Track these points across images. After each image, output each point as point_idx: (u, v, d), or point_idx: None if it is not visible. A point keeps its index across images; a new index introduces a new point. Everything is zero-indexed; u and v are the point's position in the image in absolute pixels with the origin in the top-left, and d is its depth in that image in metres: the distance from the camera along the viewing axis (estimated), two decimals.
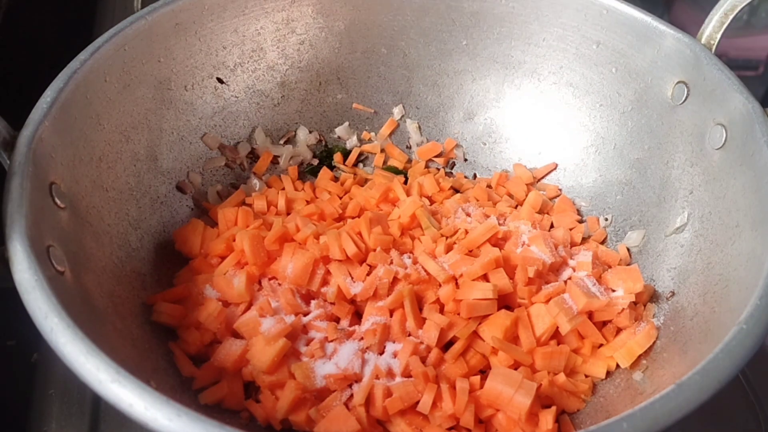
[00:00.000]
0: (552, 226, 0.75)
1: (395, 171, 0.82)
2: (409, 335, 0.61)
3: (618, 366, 0.62)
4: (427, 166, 0.83)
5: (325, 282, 0.63)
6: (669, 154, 0.69)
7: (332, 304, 0.62)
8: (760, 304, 0.47)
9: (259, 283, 0.64)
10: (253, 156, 0.80)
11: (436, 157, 0.83)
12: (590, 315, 0.63)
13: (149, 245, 0.66)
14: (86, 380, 0.41)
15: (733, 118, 0.61)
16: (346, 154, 0.83)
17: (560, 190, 0.79)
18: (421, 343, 0.60)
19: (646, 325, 0.62)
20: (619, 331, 0.64)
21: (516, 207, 0.76)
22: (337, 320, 0.63)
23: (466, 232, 0.67)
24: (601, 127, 0.76)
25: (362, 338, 0.60)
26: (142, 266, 0.64)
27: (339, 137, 0.84)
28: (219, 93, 0.76)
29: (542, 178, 0.80)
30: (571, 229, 0.73)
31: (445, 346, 0.61)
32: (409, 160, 0.84)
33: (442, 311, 0.62)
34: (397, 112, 0.84)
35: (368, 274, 0.63)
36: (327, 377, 0.57)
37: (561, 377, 0.59)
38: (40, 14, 0.96)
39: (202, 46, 0.72)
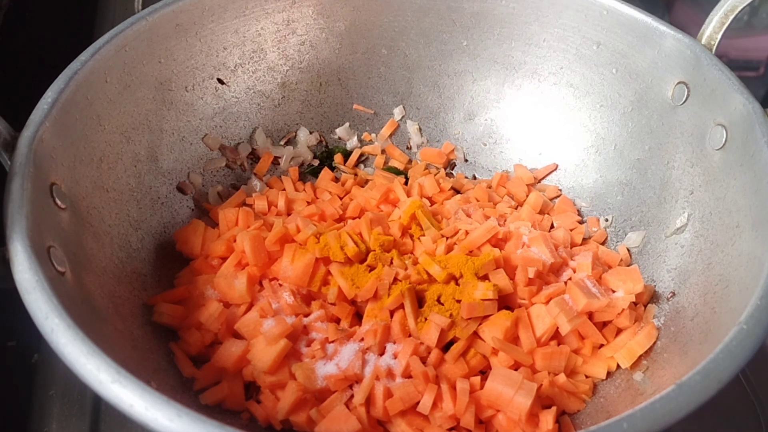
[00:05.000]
0: (552, 226, 0.75)
1: (396, 172, 0.82)
2: (410, 336, 0.61)
3: (618, 366, 0.62)
4: (427, 167, 0.83)
5: (325, 282, 0.63)
6: (669, 154, 0.69)
7: (333, 304, 0.63)
8: (761, 305, 0.47)
9: (260, 283, 0.65)
10: (254, 157, 0.80)
11: None
12: (590, 315, 0.63)
13: (150, 246, 0.66)
14: (87, 381, 0.41)
15: (733, 118, 0.61)
16: (346, 154, 0.83)
17: (560, 190, 0.79)
18: (422, 343, 0.60)
19: (646, 326, 0.62)
20: (619, 331, 0.64)
21: (516, 208, 0.76)
22: (338, 321, 0.63)
23: (467, 232, 0.67)
24: (601, 127, 0.76)
25: (363, 339, 0.60)
26: (142, 267, 0.64)
27: (340, 138, 0.84)
28: (219, 94, 0.76)
29: (543, 178, 0.80)
30: (571, 230, 0.73)
31: (446, 346, 0.61)
32: (410, 161, 0.84)
33: (442, 312, 0.62)
34: (397, 112, 0.84)
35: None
36: (328, 378, 0.57)
37: (561, 378, 0.59)
38: (40, 15, 0.96)
39: (203, 47, 0.73)
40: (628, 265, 0.70)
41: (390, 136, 0.84)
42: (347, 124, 0.84)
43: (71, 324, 0.42)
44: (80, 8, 1.03)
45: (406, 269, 0.64)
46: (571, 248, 0.71)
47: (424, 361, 0.59)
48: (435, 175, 0.80)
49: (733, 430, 0.68)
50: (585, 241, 0.74)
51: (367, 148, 0.84)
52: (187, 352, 0.60)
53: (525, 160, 0.81)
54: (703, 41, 0.66)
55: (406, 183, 0.78)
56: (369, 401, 0.56)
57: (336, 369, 0.58)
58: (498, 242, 0.67)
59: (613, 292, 0.65)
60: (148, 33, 0.66)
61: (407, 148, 0.85)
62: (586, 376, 0.62)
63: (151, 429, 0.39)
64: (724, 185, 0.61)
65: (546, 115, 0.79)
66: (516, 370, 0.59)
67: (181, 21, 0.69)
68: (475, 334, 0.61)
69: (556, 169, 0.80)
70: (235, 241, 0.66)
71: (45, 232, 0.49)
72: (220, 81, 0.76)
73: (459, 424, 0.56)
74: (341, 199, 0.76)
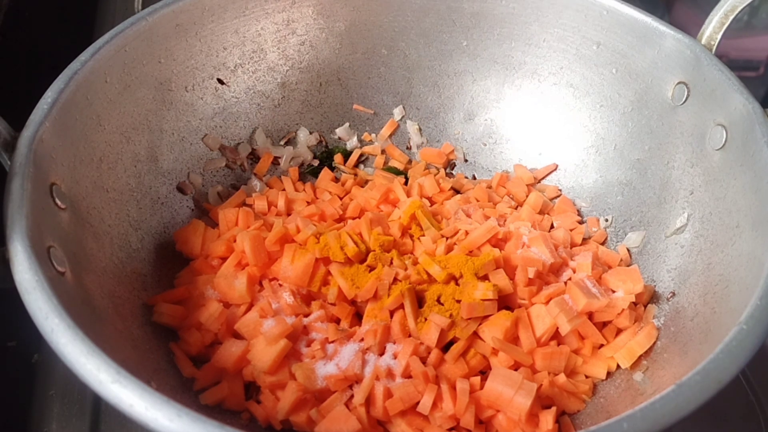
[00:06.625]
0: (552, 226, 0.75)
1: (396, 172, 0.82)
2: (410, 336, 0.61)
3: (618, 366, 0.62)
4: (427, 167, 0.83)
5: (325, 282, 0.63)
6: (669, 154, 0.69)
7: (333, 304, 0.63)
8: (761, 305, 0.47)
9: (260, 284, 0.65)
10: (254, 157, 0.80)
11: None
12: (590, 316, 0.63)
13: (150, 246, 0.66)
14: (87, 381, 0.41)
15: (733, 118, 0.61)
16: (346, 154, 0.83)
17: (560, 190, 0.79)
18: (422, 343, 0.60)
19: (646, 326, 0.62)
20: (619, 331, 0.64)
21: (516, 208, 0.76)
22: (338, 321, 0.63)
23: (467, 232, 0.67)
24: (601, 127, 0.76)
25: (363, 339, 0.60)
26: (142, 267, 0.64)
27: (339, 138, 0.84)
28: (219, 94, 0.76)
29: (543, 178, 0.80)
30: (571, 230, 0.73)
31: (446, 346, 0.61)
32: (410, 161, 0.84)
33: (442, 312, 0.62)
34: (397, 112, 0.84)
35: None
36: (328, 378, 0.57)
37: (561, 378, 0.59)
38: (40, 15, 0.96)
39: (203, 47, 0.73)
40: (628, 265, 0.70)
41: (390, 136, 0.84)
42: (347, 124, 0.84)
43: (71, 324, 0.42)
44: (80, 8, 1.03)
45: (406, 269, 0.64)
46: (571, 248, 0.71)
47: (424, 361, 0.59)
48: (435, 175, 0.80)
49: (733, 430, 0.67)
50: (585, 241, 0.74)
51: (367, 148, 0.84)
52: (187, 352, 0.60)
53: (525, 160, 0.81)
54: (703, 41, 0.66)
55: (406, 183, 0.78)
56: (369, 401, 0.56)
57: (336, 369, 0.58)
58: (498, 242, 0.67)
59: (613, 292, 0.65)
60: (148, 33, 0.66)
61: (407, 148, 0.85)
62: (586, 376, 0.62)
63: (151, 429, 0.39)
64: (724, 185, 0.61)
65: (546, 115, 0.79)
66: (516, 370, 0.59)
67: (181, 21, 0.69)
68: (475, 334, 0.61)
69: (556, 169, 0.80)
70: (235, 241, 0.66)
71: (45, 232, 0.49)
72: (220, 81, 0.76)
73: (459, 424, 0.56)
74: (341, 199, 0.76)
